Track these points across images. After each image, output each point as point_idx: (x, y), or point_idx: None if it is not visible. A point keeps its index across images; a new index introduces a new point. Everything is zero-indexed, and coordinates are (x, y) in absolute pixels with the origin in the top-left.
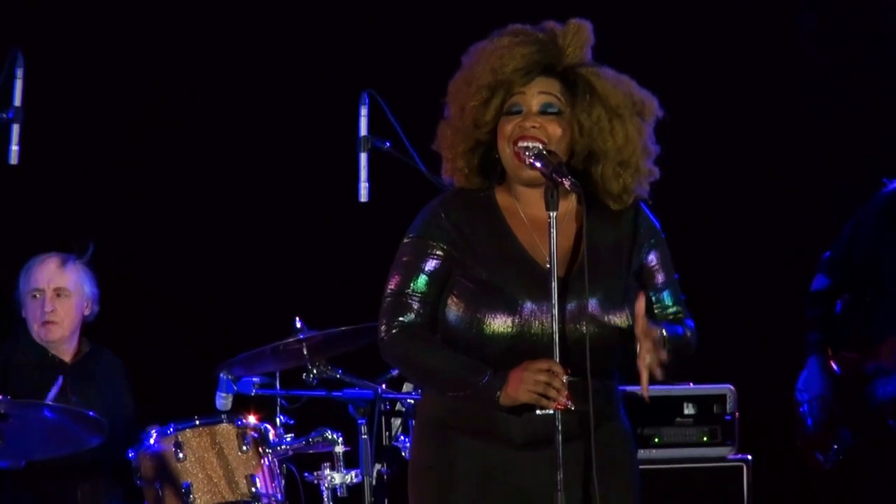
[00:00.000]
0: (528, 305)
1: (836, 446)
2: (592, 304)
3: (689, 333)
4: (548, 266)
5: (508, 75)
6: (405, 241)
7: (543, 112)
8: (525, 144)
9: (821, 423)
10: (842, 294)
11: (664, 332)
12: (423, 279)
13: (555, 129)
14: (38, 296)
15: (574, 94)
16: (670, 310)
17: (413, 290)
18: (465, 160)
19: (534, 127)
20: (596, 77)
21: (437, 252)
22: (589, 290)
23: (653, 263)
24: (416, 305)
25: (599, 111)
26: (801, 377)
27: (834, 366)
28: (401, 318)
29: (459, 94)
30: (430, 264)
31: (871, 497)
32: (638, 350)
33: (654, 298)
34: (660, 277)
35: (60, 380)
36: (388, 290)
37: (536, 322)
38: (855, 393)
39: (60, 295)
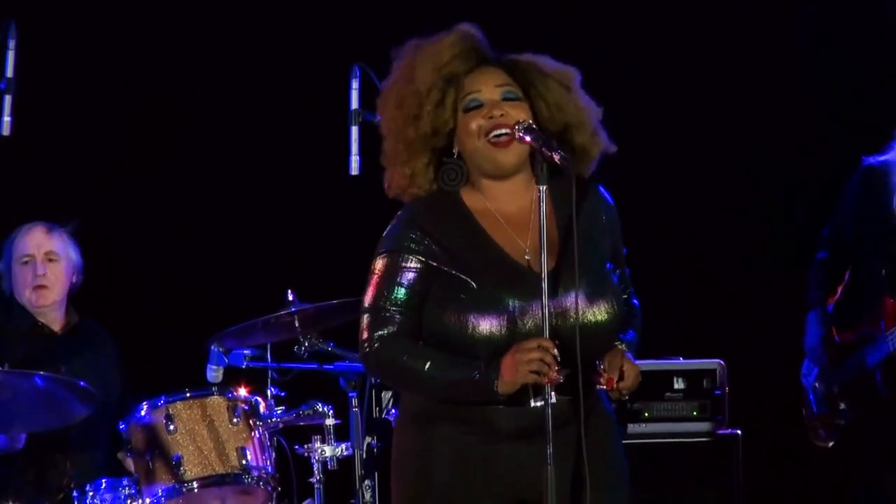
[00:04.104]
0: (515, 304)
1: (838, 422)
2: (580, 292)
3: (637, 324)
4: (527, 259)
5: (451, 65)
6: (378, 256)
7: (505, 100)
8: (501, 132)
9: (825, 404)
10: (842, 266)
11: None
12: (401, 290)
13: (521, 115)
14: (28, 261)
15: (521, 80)
16: (624, 293)
17: (392, 302)
18: (426, 173)
19: (502, 115)
20: (533, 59)
21: (414, 265)
22: (572, 282)
23: (615, 246)
24: (396, 317)
25: (555, 86)
26: (804, 363)
27: (834, 332)
28: (381, 332)
29: (405, 105)
30: (407, 276)
31: (863, 463)
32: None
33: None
34: (618, 260)
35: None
36: (366, 306)
37: (527, 319)
38: (850, 369)
39: (51, 259)
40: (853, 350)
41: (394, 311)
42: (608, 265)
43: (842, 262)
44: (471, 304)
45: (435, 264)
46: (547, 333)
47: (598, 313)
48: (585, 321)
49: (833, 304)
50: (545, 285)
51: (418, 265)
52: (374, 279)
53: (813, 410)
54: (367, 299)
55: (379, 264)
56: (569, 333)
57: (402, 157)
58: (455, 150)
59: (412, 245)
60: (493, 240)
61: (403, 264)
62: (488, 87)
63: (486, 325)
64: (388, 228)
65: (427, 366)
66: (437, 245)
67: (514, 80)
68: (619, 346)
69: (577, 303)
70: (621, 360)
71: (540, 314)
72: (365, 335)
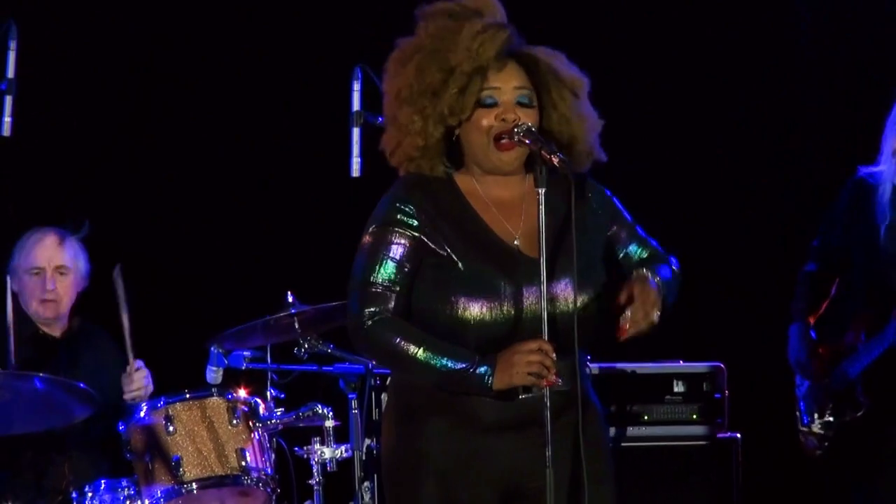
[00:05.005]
0: (505, 288)
1: (826, 433)
2: (570, 283)
3: (674, 272)
4: (516, 243)
5: (483, 54)
6: (368, 231)
7: (519, 104)
8: (505, 136)
9: (814, 415)
10: (829, 278)
11: (659, 282)
12: (390, 266)
13: (532, 121)
14: (38, 273)
15: (537, 82)
16: (645, 257)
17: (381, 278)
18: (437, 148)
19: (514, 119)
20: (553, 60)
21: (403, 240)
22: (562, 270)
23: (614, 229)
24: (386, 294)
25: (567, 95)
26: (797, 374)
27: (816, 341)
28: (371, 309)
29: (427, 76)
30: (397, 251)
31: (855, 469)
32: (628, 312)
33: (623, 255)
34: (623, 236)
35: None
36: (355, 282)
37: (515, 304)
38: (834, 381)
39: (61, 273)
40: (836, 362)
41: (384, 287)
42: (602, 258)
43: (829, 275)
44: (461, 285)
45: (425, 240)
46: (546, 335)
47: (584, 300)
48: (572, 308)
49: (817, 318)
50: (544, 288)
51: (408, 240)
52: (364, 254)
53: (804, 421)
54: (356, 275)
55: (368, 238)
56: (557, 319)
57: (417, 127)
58: (456, 132)
59: (403, 218)
60: (483, 221)
61: (393, 239)
62: (508, 86)
63: (477, 308)
64: (378, 203)
65: (421, 350)
66: (429, 221)
67: (532, 80)
68: (640, 272)
69: (574, 293)
70: (632, 287)
71: (530, 299)
72: (355, 311)
